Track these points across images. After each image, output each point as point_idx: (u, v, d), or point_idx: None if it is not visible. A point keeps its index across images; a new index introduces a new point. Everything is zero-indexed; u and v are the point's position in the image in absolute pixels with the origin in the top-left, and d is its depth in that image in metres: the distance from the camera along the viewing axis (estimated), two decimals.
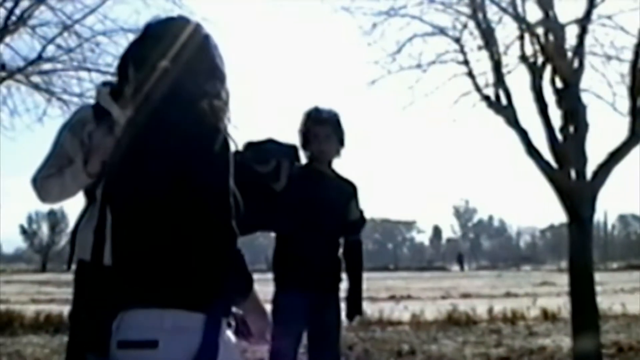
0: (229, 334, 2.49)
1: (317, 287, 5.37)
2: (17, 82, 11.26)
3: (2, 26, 10.90)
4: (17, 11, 10.91)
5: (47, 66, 11.35)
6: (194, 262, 2.33)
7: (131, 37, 10.99)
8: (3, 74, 11.12)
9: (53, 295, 25.98)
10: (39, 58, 11.11)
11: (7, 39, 11.10)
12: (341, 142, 5.57)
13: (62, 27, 11.10)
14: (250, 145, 5.32)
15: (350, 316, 5.60)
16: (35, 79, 11.28)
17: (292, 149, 5.40)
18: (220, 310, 2.40)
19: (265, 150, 5.29)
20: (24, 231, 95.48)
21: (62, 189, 4.09)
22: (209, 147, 2.41)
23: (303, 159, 5.48)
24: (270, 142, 5.34)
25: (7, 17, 10.90)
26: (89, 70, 11.30)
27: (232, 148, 2.54)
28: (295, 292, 5.40)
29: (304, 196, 5.33)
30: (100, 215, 3.97)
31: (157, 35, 2.57)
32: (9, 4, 10.87)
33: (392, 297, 25.45)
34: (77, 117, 4.23)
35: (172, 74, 2.47)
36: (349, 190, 5.59)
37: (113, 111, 4.01)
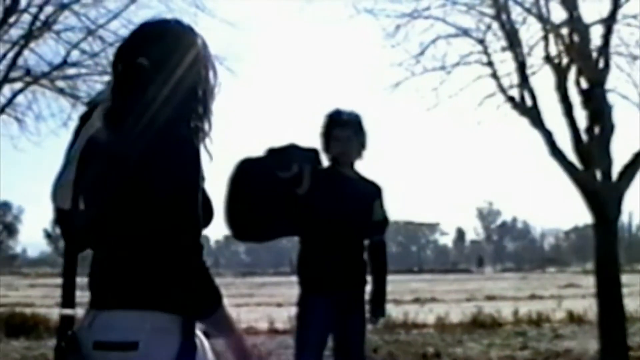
0: (201, 335, 2.48)
1: (342, 289, 5.34)
2: (42, 87, 11.32)
3: (27, 31, 10.97)
4: (42, 16, 10.98)
5: (71, 71, 11.40)
6: (167, 267, 2.30)
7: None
8: (28, 79, 11.19)
9: (78, 298, 26.08)
10: (64, 63, 11.18)
11: (32, 44, 11.18)
12: (362, 144, 5.53)
13: (86, 32, 11.16)
14: (271, 152, 5.33)
15: (373, 318, 5.56)
16: (60, 83, 11.34)
17: (314, 152, 5.41)
18: (193, 313, 2.39)
19: (286, 156, 5.31)
20: (48, 235, 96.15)
21: None
22: (173, 159, 2.36)
23: (325, 162, 5.50)
24: (291, 147, 5.35)
25: (32, 23, 10.96)
26: None
27: (208, 159, 2.50)
28: (320, 294, 5.39)
29: (327, 199, 5.33)
30: None
31: (145, 37, 2.56)
32: (33, 10, 10.95)
33: (416, 300, 25.46)
34: None
35: (150, 75, 2.44)
36: (372, 191, 5.54)
37: None
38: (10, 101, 11.30)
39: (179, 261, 2.30)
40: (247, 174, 5.26)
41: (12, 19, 10.85)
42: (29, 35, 10.94)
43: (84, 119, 3.92)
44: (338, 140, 5.46)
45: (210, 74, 2.56)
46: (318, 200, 5.33)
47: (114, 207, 2.40)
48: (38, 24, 10.98)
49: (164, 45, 2.49)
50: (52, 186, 3.87)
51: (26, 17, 11.01)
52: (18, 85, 11.33)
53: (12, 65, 11.03)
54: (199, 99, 2.50)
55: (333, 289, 5.34)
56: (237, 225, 5.38)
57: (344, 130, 5.46)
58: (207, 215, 2.46)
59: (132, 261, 2.37)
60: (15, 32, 11.09)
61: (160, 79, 2.42)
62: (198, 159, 2.40)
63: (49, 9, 11.00)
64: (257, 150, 5.33)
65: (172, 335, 2.33)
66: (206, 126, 2.52)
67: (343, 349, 5.43)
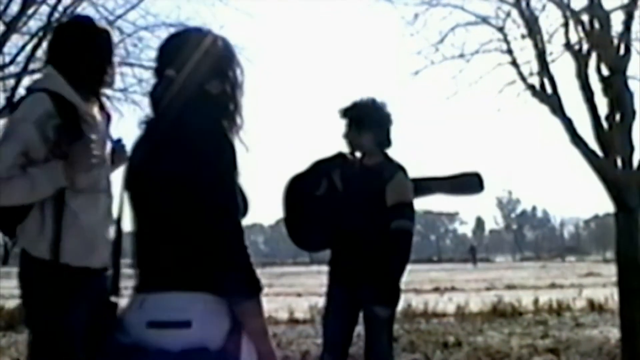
0: None
1: (361, 279, 5.33)
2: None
3: (46, 23, 11.01)
4: (60, 8, 11.02)
5: None
6: (211, 250, 2.47)
7: (173, 31, 11.13)
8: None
9: None
10: None
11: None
12: (360, 131, 5.48)
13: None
14: (299, 177, 5.48)
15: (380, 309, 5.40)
16: None
17: (338, 157, 5.49)
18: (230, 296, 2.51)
19: (313, 176, 5.44)
20: None
21: (31, 193, 3.73)
22: (205, 149, 2.54)
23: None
24: (314, 165, 5.49)
25: (50, 14, 11.00)
26: (131, 65, 11.39)
27: (245, 151, 2.69)
28: (341, 284, 5.45)
29: (343, 194, 5.38)
30: (57, 214, 3.77)
31: (170, 49, 2.79)
32: (51, 1, 10.97)
33: (436, 289, 25.43)
34: (41, 110, 3.76)
35: (178, 81, 2.67)
36: (385, 174, 5.39)
37: (79, 106, 3.85)
38: None
39: (221, 245, 2.47)
40: (294, 194, 5.54)
41: (30, 11, 10.89)
42: (48, 27, 10.96)
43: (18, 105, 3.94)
44: (349, 135, 5.50)
45: (237, 71, 2.78)
46: (341, 198, 5.40)
47: (160, 196, 2.60)
48: (56, 15, 11.01)
49: (187, 54, 2.69)
50: None
51: (44, 9, 11.06)
52: (37, 77, 11.35)
53: (31, 57, 11.08)
54: (228, 96, 2.72)
55: (352, 280, 5.36)
56: (297, 239, 5.71)
57: (352, 123, 5.49)
58: (243, 205, 2.65)
59: (179, 245, 2.55)
60: (34, 24, 11.15)
61: (187, 85, 2.65)
62: (233, 151, 2.57)
63: (67, 1, 11.03)
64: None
65: (223, 316, 2.49)
66: (238, 120, 2.73)
67: (367, 338, 5.44)
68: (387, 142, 5.52)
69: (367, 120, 5.44)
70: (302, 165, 5.57)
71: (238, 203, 2.53)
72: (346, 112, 5.52)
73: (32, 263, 3.82)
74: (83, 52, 3.94)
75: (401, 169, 5.43)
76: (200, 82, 2.68)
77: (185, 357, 2.43)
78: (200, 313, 2.46)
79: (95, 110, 4.01)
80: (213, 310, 2.47)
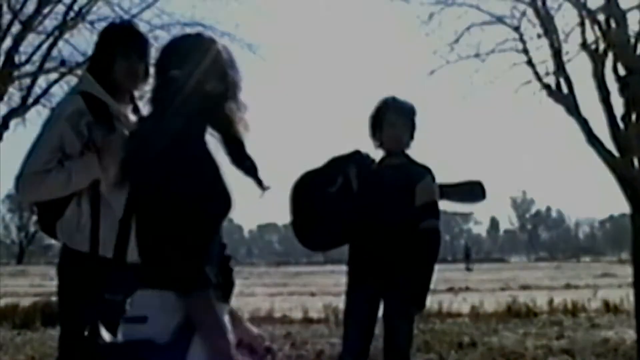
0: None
1: (383, 277, 5.30)
2: (77, 77, 11.37)
3: (61, 22, 11.03)
4: (76, 7, 11.03)
5: None
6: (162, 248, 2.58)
7: (188, 30, 11.14)
8: (63, 69, 11.24)
9: None
10: None
11: (67, 35, 11.23)
12: (412, 134, 5.49)
13: None
14: (313, 173, 5.43)
15: (407, 308, 5.43)
16: None
17: (355, 154, 5.44)
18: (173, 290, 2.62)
19: (328, 172, 5.39)
20: None
21: (67, 184, 3.89)
22: (174, 155, 2.63)
23: (374, 152, 5.53)
24: (331, 161, 5.43)
25: (66, 13, 11.02)
26: None
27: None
28: (362, 285, 5.39)
29: (367, 193, 5.33)
30: (93, 206, 3.95)
31: (172, 52, 2.87)
32: (67, 0, 10.99)
33: (450, 289, 25.35)
34: (72, 108, 3.98)
35: (180, 82, 2.73)
36: (415, 175, 5.37)
37: (111, 104, 4.06)
38: (45, 92, 11.36)
39: (159, 243, 2.58)
40: (305, 190, 5.43)
41: (46, 10, 10.92)
42: (63, 26, 10.99)
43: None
44: (392, 126, 5.45)
45: (234, 73, 2.83)
46: (360, 196, 5.35)
47: (134, 196, 2.78)
48: (72, 14, 11.03)
49: (190, 56, 2.77)
50: (18, 175, 3.89)
51: (60, 8, 11.07)
52: (53, 76, 11.40)
53: (47, 56, 11.10)
54: (229, 96, 2.78)
55: (374, 279, 5.32)
56: (304, 238, 5.55)
57: (399, 116, 5.44)
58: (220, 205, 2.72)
59: (142, 245, 2.71)
60: (49, 23, 11.17)
61: (189, 86, 2.72)
62: (191, 152, 2.67)
63: (82, 0, 11.05)
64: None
65: (175, 312, 2.57)
66: (245, 116, 2.79)
67: (385, 341, 5.40)
68: (412, 140, 5.54)
69: (397, 118, 5.44)
70: (315, 163, 5.54)
71: (185, 201, 2.58)
72: (377, 111, 5.52)
73: (71, 256, 3.96)
74: (112, 55, 4.12)
75: (429, 171, 5.43)
76: (202, 83, 2.73)
77: (129, 347, 2.61)
78: (156, 309, 2.58)
79: (129, 111, 4.16)
80: (168, 306, 2.56)
